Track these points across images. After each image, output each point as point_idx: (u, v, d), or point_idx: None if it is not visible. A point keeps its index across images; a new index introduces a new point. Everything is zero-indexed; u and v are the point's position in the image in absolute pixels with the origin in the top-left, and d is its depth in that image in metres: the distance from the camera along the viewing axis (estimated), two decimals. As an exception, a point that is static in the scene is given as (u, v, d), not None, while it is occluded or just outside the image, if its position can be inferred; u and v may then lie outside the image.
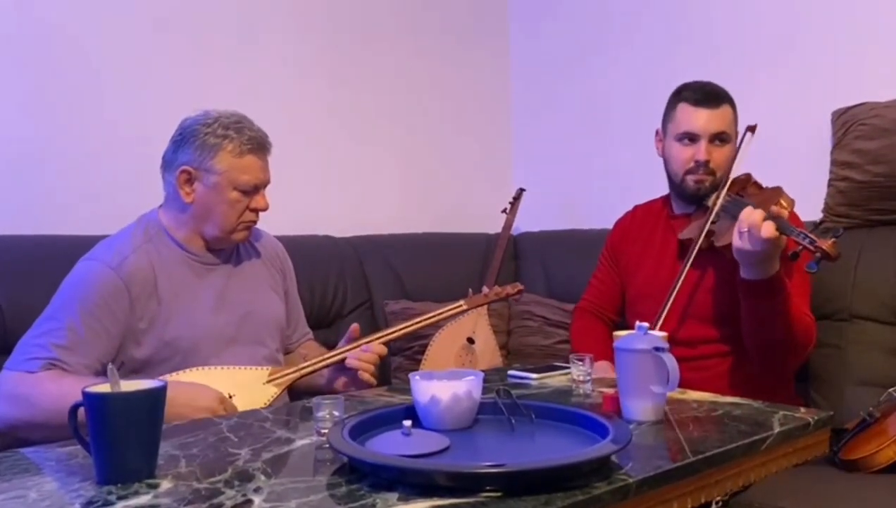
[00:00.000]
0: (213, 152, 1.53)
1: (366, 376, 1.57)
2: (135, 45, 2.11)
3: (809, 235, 1.46)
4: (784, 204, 1.59)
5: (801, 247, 1.46)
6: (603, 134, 2.70)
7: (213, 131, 1.53)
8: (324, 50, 2.51)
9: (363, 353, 1.58)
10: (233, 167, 1.53)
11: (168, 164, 1.58)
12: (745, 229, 1.49)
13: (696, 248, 1.67)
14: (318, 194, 2.49)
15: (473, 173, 2.89)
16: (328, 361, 1.61)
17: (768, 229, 1.46)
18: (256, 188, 1.58)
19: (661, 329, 1.61)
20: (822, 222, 1.49)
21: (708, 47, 2.40)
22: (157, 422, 0.99)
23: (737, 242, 1.51)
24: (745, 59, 2.31)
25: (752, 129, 1.71)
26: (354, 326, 1.63)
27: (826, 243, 1.44)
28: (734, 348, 1.73)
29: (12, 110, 1.92)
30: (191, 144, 1.54)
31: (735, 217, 1.56)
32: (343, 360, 1.60)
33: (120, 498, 0.90)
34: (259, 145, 1.57)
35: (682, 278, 1.66)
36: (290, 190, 2.36)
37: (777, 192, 1.66)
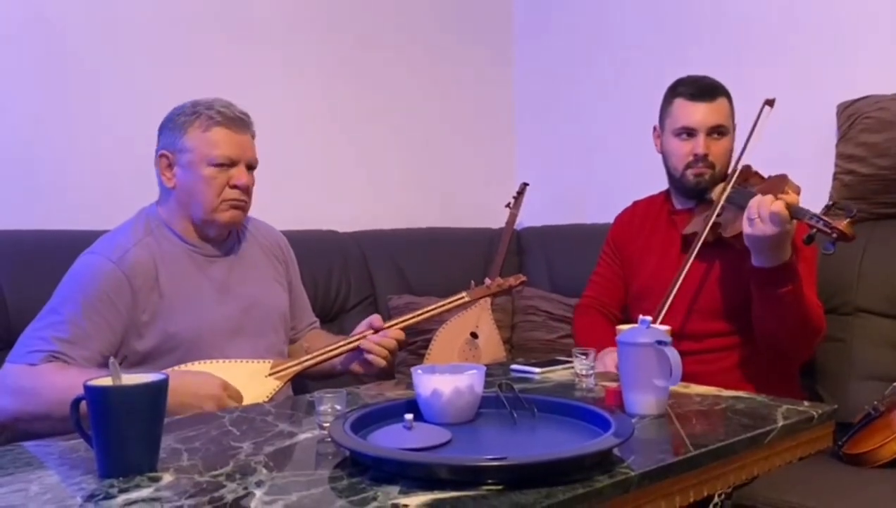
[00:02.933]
0: (183, 131, 1.54)
1: (373, 358, 1.57)
2: (137, 43, 2.11)
3: (823, 217, 1.45)
4: (789, 190, 1.57)
5: (814, 230, 1.45)
6: (606, 128, 2.69)
7: (184, 112, 1.56)
8: (329, 45, 2.50)
9: (382, 339, 1.58)
10: (202, 142, 1.53)
11: (155, 155, 1.59)
12: (755, 216, 1.48)
13: (701, 240, 1.66)
14: (322, 188, 2.48)
15: (477, 168, 2.88)
16: (332, 352, 1.61)
17: (778, 206, 1.45)
18: (232, 162, 1.55)
19: (666, 323, 1.60)
20: (833, 203, 1.47)
21: (712, 41, 2.39)
22: (159, 415, 0.99)
23: (747, 229, 1.50)
24: (749, 53, 2.30)
25: (770, 102, 1.68)
26: (376, 317, 1.64)
27: (842, 224, 1.42)
28: (740, 342, 1.72)
29: (17, 107, 1.93)
30: (165, 129, 1.57)
31: (741, 207, 1.55)
32: (354, 348, 1.61)
33: (122, 492, 0.90)
34: (228, 119, 1.55)
35: (686, 271, 1.66)
36: (294, 185, 2.38)
37: (782, 179, 1.65)
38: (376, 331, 1.60)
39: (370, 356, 1.58)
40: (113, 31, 2.07)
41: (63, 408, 1.00)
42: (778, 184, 1.63)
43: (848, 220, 1.42)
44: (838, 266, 1.90)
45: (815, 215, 1.46)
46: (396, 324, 1.64)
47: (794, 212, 1.47)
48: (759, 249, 1.52)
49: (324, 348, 1.62)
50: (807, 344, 1.68)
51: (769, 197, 1.48)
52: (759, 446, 1.12)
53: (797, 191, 1.61)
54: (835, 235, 1.42)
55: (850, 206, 1.46)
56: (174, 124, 1.56)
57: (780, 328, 1.60)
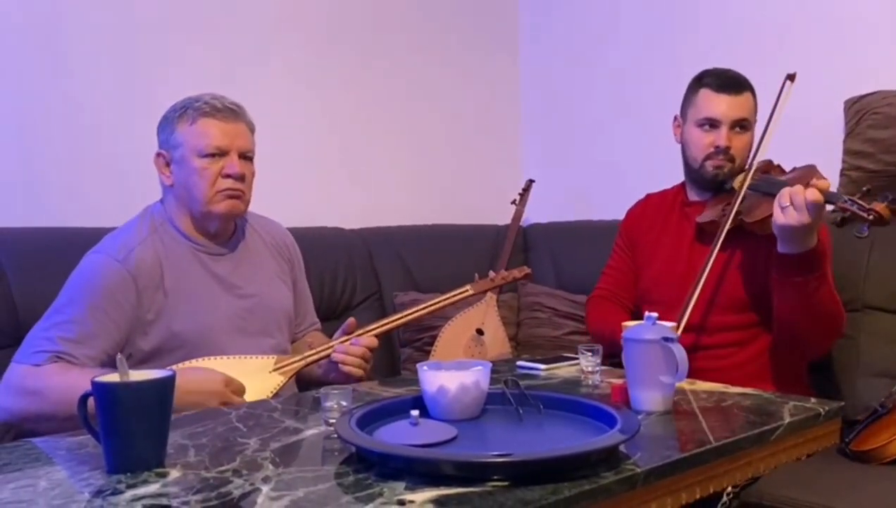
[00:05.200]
0: (172, 128, 1.55)
1: (348, 368, 1.55)
2: (144, 42, 2.11)
3: (857, 201, 1.44)
4: (820, 179, 1.55)
5: (848, 213, 1.44)
6: (612, 125, 2.69)
7: (174, 109, 1.57)
8: (335, 42, 2.50)
9: (350, 346, 1.56)
10: (191, 135, 1.54)
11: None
12: (787, 204, 1.47)
13: (725, 229, 1.64)
14: (327, 185, 2.49)
15: (483, 164, 2.88)
16: (323, 353, 1.60)
17: (813, 194, 1.43)
18: (222, 151, 1.54)
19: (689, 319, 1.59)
20: (868, 189, 1.47)
21: (719, 37, 2.38)
22: (166, 411, 0.99)
23: (780, 218, 1.48)
24: (757, 48, 2.29)
25: (791, 77, 1.67)
26: (351, 320, 1.62)
27: (879, 206, 1.41)
28: (753, 337, 1.71)
29: (23, 105, 1.93)
30: (160, 128, 1.58)
31: (766, 194, 1.54)
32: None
33: (129, 487, 0.91)
34: (215, 109, 1.54)
35: (712, 260, 1.63)
36: (299, 182, 2.38)
37: (811, 170, 1.63)
38: (346, 334, 1.58)
39: (344, 368, 1.56)
40: (119, 32, 2.07)
41: (67, 409, 1.01)
42: (807, 174, 1.61)
43: (886, 203, 1.41)
44: (846, 263, 1.89)
45: (849, 198, 1.45)
46: (387, 325, 1.62)
47: (828, 197, 1.46)
48: (790, 237, 1.51)
49: (322, 347, 1.62)
50: (827, 336, 1.66)
51: (799, 186, 1.46)
52: (765, 443, 1.11)
53: (828, 183, 1.60)
54: (871, 216, 1.41)
55: (885, 193, 1.44)
56: (166, 122, 1.57)
57: (803, 316, 1.58)
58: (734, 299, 1.72)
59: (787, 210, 1.47)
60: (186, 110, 1.55)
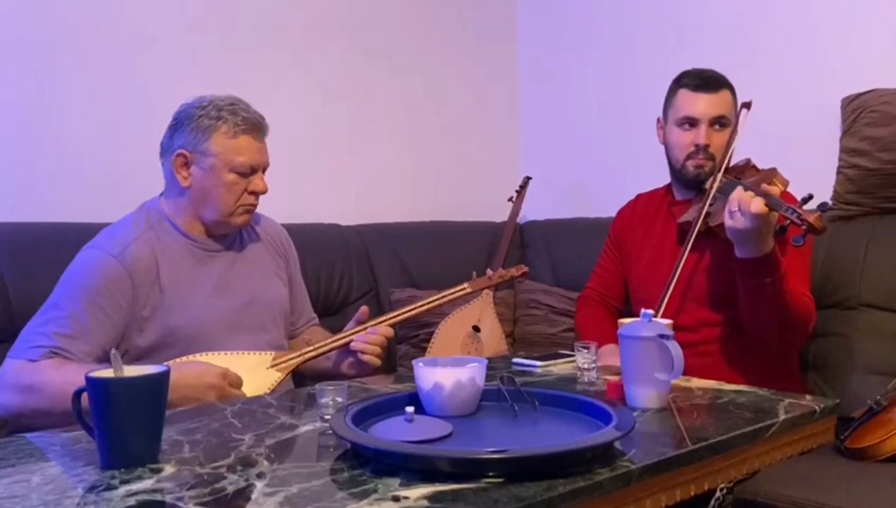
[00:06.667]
0: (207, 135, 1.53)
1: (369, 357, 1.56)
2: (144, 39, 2.11)
3: (797, 209, 1.48)
4: (777, 183, 1.61)
5: (788, 222, 1.48)
6: (610, 122, 2.69)
7: (207, 114, 1.54)
8: (332, 39, 2.50)
9: (370, 335, 1.57)
10: (228, 149, 1.53)
11: (165, 149, 1.58)
12: (735, 208, 1.50)
13: (695, 231, 1.68)
14: (324, 182, 2.48)
15: (480, 161, 2.88)
16: (332, 345, 1.60)
17: (757, 205, 1.47)
18: (253, 170, 1.56)
19: (662, 314, 1.61)
20: (810, 197, 1.50)
21: (717, 35, 2.38)
22: (161, 407, 0.99)
23: (728, 221, 1.52)
24: (754, 46, 2.29)
25: (747, 105, 1.73)
26: (364, 308, 1.63)
27: (812, 217, 1.45)
28: (735, 333, 1.72)
29: (22, 98, 1.93)
30: (185, 128, 1.55)
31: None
32: (347, 344, 1.60)
33: (123, 483, 0.91)
34: (253, 126, 1.56)
35: (683, 261, 1.67)
36: (296, 178, 2.37)
37: (772, 172, 1.68)
38: (360, 323, 1.59)
39: (364, 357, 1.56)
40: (120, 29, 2.07)
41: (64, 404, 1.01)
42: (767, 176, 1.65)
43: (818, 213, 1.45)
44: (842, 261, 1.90)
45: (790, 207, 1.49)
46: (402, 316, 1.63)
47: (771, 204, 1.49)
48: (740, 240, 1.54)
49: (324, 341, 1.62)
50: (791, 336, 1.68)
51: (749, 193, 1.50)
52: (760, 440, 1.11)
53: (785, 184, 1.64)
54: (804, 227, 1.45)
55: (824, 202, 1.48)
56: (196, 125, 1.53)
57: (763, 317, 1.61)
58: (713, 297, 1.73)
59: (735, 215, 1.51)
60: (225, 122, 1.53)
